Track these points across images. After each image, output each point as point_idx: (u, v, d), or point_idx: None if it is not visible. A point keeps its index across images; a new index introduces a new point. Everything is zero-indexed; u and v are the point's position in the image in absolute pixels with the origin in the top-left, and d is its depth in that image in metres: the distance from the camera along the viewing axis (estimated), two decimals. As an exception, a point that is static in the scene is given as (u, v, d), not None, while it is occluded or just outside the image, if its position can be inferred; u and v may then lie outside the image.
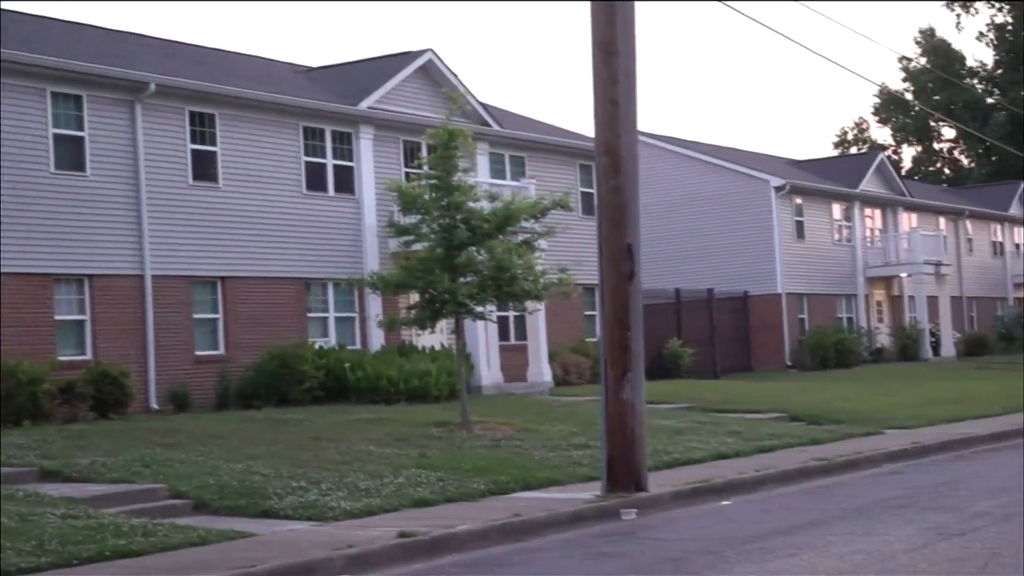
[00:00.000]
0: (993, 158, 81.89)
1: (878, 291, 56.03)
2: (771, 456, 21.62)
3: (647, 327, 18.85)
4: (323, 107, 32.54)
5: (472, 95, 36.02)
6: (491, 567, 13.20)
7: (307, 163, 32.22)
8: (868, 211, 55.95)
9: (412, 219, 25.30)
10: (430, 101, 34.64)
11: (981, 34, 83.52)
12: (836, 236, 53.75)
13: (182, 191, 29.35)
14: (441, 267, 23.93)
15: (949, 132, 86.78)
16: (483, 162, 35.87)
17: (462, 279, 24.14)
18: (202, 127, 29.87)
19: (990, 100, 79.92)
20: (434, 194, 24.41)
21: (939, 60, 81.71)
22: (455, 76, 35.61)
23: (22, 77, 26.36)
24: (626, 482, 17.03)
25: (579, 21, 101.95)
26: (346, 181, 33.13)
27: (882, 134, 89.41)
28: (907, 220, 57.72)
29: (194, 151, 29.68)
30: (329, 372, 29.41)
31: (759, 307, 48.94)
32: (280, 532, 14.59)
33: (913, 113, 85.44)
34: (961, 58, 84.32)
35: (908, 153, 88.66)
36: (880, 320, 56.04)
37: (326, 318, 32.43)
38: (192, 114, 29.67)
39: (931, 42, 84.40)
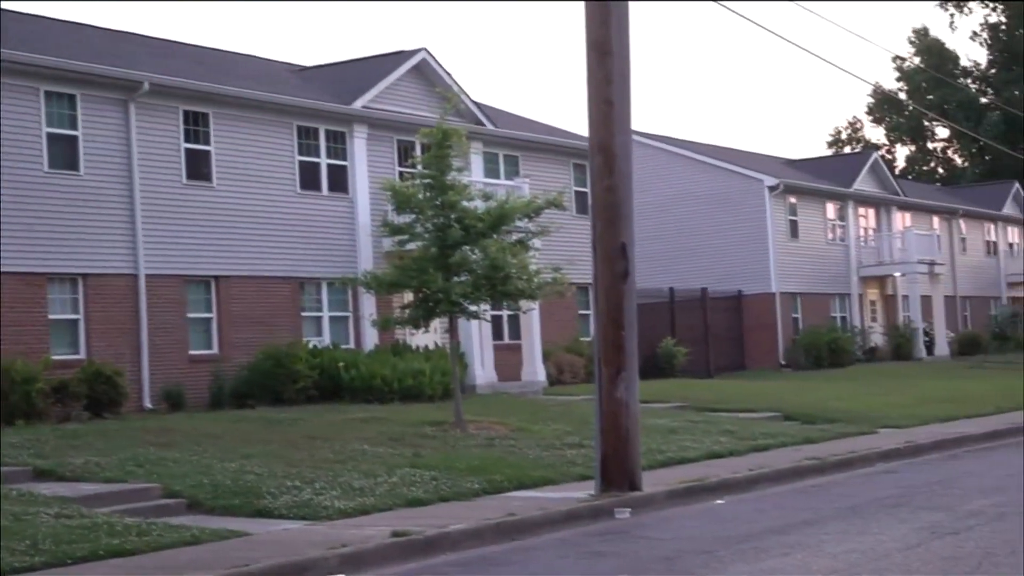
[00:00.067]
0: (987, 158, 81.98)
1: (872, 290, 56.08)
2: (765, 455, 21.62)
3: (641, 326, 18.85)
4: (317, 106, 32.53)
5: (466, 94, 36.03)
6: (485, 566, 13.20)
7: (301, 162, 32.21)
8: (862, 210, 56.00)
9: (406, 218, 25.30)
10: (424, 100, 34.63)
11: (975, 34, 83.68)
12: (830, 235, 53.80)
13: (176, 190, 29.33)
14: (435, 266, 23.94)
15: (943, 132, 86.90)
16: (477, 161, 35.88)
17: (456, 278, 24.15)
18: (196, 126, 29.85)
19: (984, 100, 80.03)
20: (428, 193, 24.41)
21: (933, 60, 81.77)
22: (449, 75, 35.62)
23: (15, 76, 26.33)
24: (620, 481, 17.03)
25: (573, 21, 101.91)
26: (340, 180, 33.12)
27: (876, 133, 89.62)
28: (901, 219, 57.78)
29: (188, 150, 29.66)
30: (323, 371, 29.41)
31: (753, 306, 48.98)
32: (274, 531, 14.58)
33: (907, 113, 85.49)
34: (955, 58, 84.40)
35: (902, 152, 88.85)
36: (874, 319, 56.09)
37: (320, 317, 32.42)
38: (186, 113, 29.66)
39: (925, 42, 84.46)
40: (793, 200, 51.50)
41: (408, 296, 25.82)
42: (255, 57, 37.71)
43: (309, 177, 32.38)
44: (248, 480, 17.20)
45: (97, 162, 27.81)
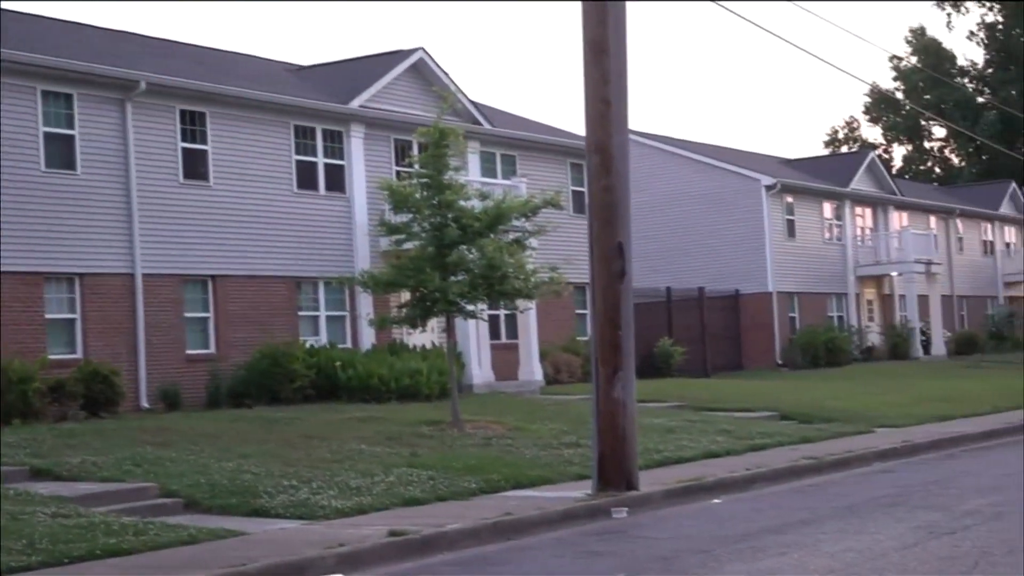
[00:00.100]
0: (984, 157, 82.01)
1: (869, 290, 56.09)
2: (762, 455, 21.62)
3: (638, 326, 18.85)
4: (314, 106, 32.52)
5: (463, 94, 36.03)
6: (482, 566, 13.20)
7: (298, 162, 32.20)
8: (859, 210, 56.01)
9: (403, 218, 25.29)
10: (421, 100, 34.62)
11: (972, 33, 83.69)
12: (827, 235, 53.81)
13: (173, 190, 29.32)
14: (432, 266, 23.93)
15: (940, 131, 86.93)
16: (474, 161, 35.86)
17: (453, 278, 24.14)
18: (193, 125, 29.83)
19: (981, 99, 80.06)
20: (425, 193, 24.40)
21: (930, 59, 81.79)
22: (446, 75, 35.61)
23: (12, 75, 26.30)
24: (617, 481, 17.03)
25: (571, 20, 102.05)
26: (337, 180, 33.11)
27: (873, 133, 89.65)
28: (898, 219, 57.81)
29: (185, 149, 29.65)
30: (320, 371, 29.40)
31: (750, 306, 48.99)
32: (271, 531, 14.57)
33: (904, 112, 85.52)
34: (952, 57, 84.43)
35: (899, 152, 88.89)
36: (871, 319, 56.11)
37: (317, 317, 32.41)
38: (183, 112, 29.64)
39: (922, 41, 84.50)
40: (790, 199, 51.52)
41: (405, 295, 25.81)
42: (252, 56, 37.68)
43: (306, 176, 32.37)
44: (245, 479, 17.20)
45: (94, 161, 27.79)
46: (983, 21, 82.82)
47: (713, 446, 22.20)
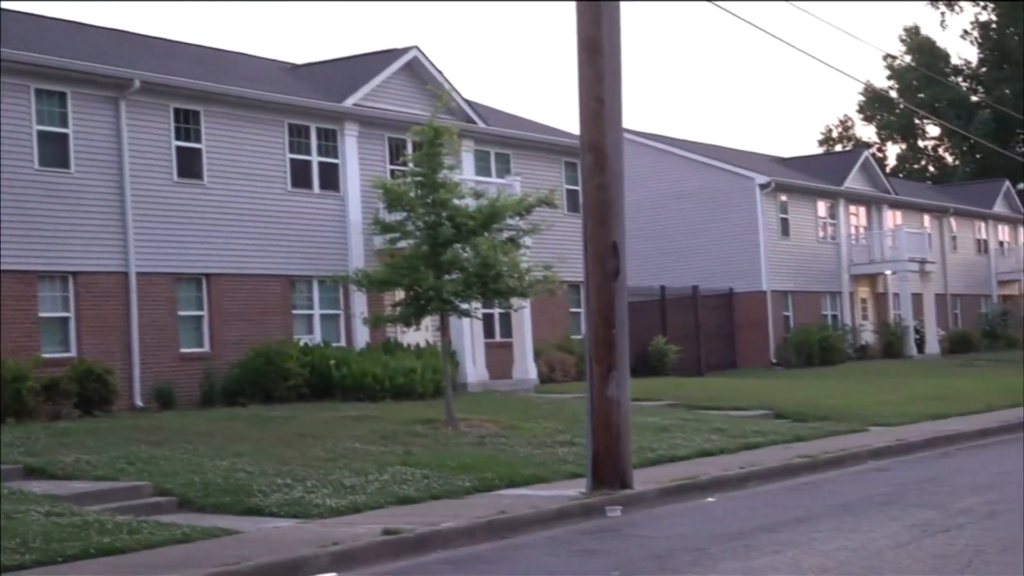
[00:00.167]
0: (977, 156, 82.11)
1: (863, 288, 56.14)
2: (756, 453, 21.64)
3: (632, 324, 18.87)
4: (308, 104, 32.49)
5: (458, 92, 36.03)
6: (476, 564, 13.20)
7: (292, 160, 32.18)
8: (853, 208, 56.06)
9: (397, 216, 25.29)
10: (416, 98, 34.61)
11: (966, 32, 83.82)
12: (821, 233, 53.84)
13: (167, 188, 29.29)
14: (426, 264, 23.92)
15: (934, 130, 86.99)
16: (468, 159, 35.86)
17: (447, 276, 24.13)
18: (187, 124, 29.80)
19: (974, 98, 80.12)
20: (419, 191, 24.39)
21: (924, 58, 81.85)
22: (440, 73, 35.60)
23: (6, 74, 26.25)
24: (611, 479, 17.04)
25: (565, 19, 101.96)
26: (331, 178, 33.09)
27: (867, 132, 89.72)
28: (892, 217, 57.85)
29: (179, 148, 29.61)
30: (314, 369, 29.38)
31: (744, 304, 49.01)
32: (265, 529, 14.57)
33: (898, 111, 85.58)
34: (945, 56, 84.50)
35: (893, 151, 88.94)
36: (865, 317, 56.16)
37: (311, 315, 32.39)
38: (177, 111, 29.61)
39: (916, 40, 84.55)
40: (784, 198, 51.54)
41: (399, 294, 25.81)
42: (246, 55, 37.64)
43: (300, 175, 32.35)
44: (239, 478, 17.19)
45: (88, 160, 27.75)
46: (977, 20, 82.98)
47: (707, 444, 22.21)
